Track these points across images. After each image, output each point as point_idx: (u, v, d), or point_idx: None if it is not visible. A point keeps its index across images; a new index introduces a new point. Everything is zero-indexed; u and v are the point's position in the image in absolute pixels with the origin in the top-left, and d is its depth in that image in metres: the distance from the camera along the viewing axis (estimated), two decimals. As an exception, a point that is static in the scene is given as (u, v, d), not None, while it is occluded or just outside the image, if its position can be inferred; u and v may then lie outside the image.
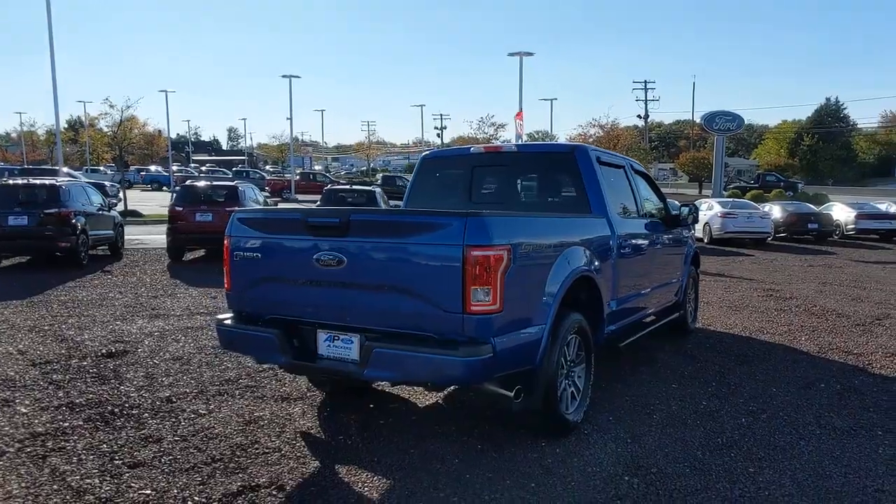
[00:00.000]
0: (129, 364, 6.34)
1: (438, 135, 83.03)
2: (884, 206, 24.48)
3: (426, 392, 5.51)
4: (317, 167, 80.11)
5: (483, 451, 4.36)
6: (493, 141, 71.31)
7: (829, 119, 74.79)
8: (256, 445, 4.45)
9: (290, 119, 40.76)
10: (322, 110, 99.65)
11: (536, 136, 78.53)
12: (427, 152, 6.41)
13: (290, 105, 39.33)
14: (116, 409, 5.10)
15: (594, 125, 59.26)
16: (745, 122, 48.00)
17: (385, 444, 4.48)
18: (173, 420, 4.91)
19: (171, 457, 4.24)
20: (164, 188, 48.54)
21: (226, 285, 4.61)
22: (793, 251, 19.28)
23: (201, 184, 15.69)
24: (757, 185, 47.56)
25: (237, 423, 4.84)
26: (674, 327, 7.41)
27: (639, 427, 4.84)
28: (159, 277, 12.10)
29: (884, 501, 3.74)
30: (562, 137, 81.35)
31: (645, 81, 58.99)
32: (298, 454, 4.31)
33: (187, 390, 5.60)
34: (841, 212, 23.86)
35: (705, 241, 20.68)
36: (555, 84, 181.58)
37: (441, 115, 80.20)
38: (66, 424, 4.78)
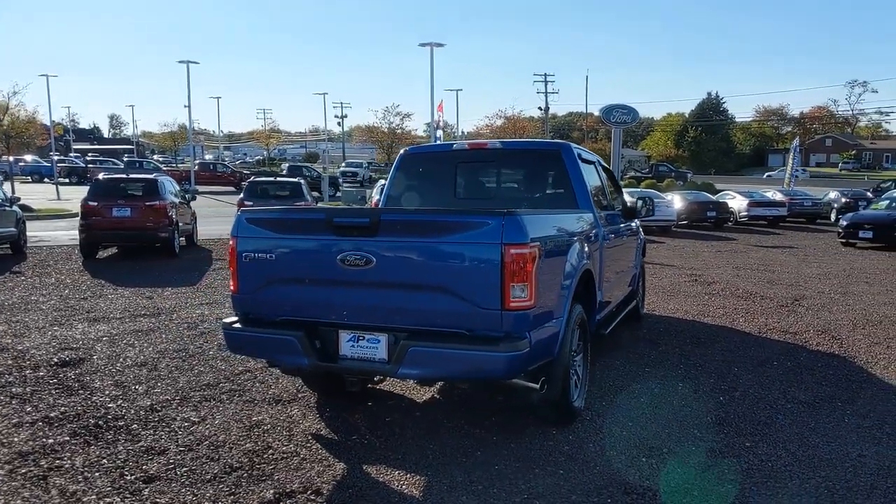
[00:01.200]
0: (90, 373, 5.95)
1: (339, 123, 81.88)
2: (770, 194, 26.68)
3: (419, 388, 5.54)
4: (208, 156, 76.73)
5: (500, 443, 4.47)
6: (398, 130, 71.18)
7: (711, 113, 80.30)
8: (270, 451, 4.34)
9: (189, 106, 39.00)
10: (218, 97, 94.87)
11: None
12: (408, 148, 6.39)
13: (189, 92, 37.48)
14: (100, 422, 4.79)
15: (500, 116, 60.48)
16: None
17: (401, 442, 4.50)
18: (168, 430, 4.68)
19: (185, 468, 4.06)
20: (47, 179, 45.00)
21: (232, 287, 4.45)
22: (697, 237, 20.64)
23: (117, 176, 14.74)
24: (651, 175, 50.33)
25: (239, 430, 4.69)
26: (628, 314, 7.81)
27: (633, 410, 5.12)
28: (79, 277, 11.31)
29: (868, 465, 4.19)
30: (468, 128, 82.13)
31: (545, 74, 60.78)
32: (319, 457, 4.25)
33: (167, 398, 5.34)
34: (734, 200, 25.77)
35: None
36: (460, 74, 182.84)
37: (342, 103, 78.62)
38: (52, 441, 4.45)
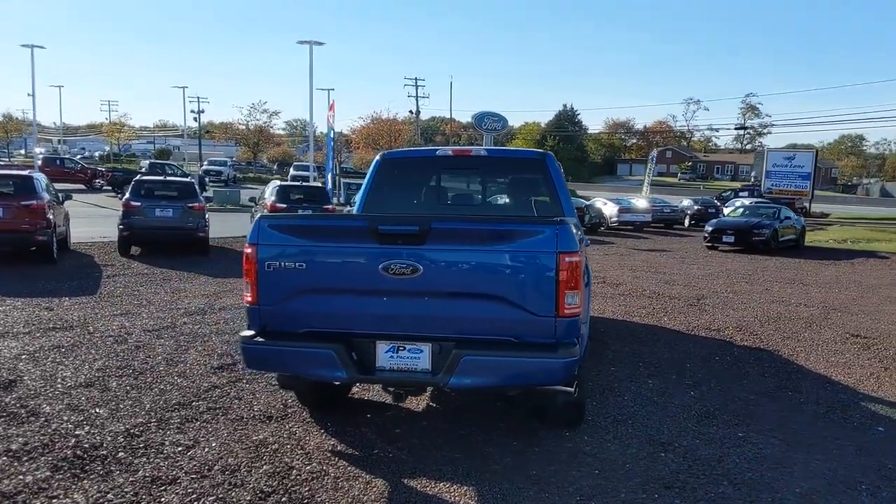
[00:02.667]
0: (31, 396, 5.24)
1: (195, 119, 77.26)
2: (635, 201, 28.85)
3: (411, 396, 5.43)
4: (39, 150, 69.47)
5: (522, 448, 4.51)
6: (266, 129, 68.72)
7: (567, 123, 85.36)
8: (295, 471, 4.09)
9: (33, 95, 34.86)
10: (60, 86, 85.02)
11: (296, 126, 77.04)
12: (387, 152, 6.23)
13: (33, 79, 33.46)
14: (78, 452, 4.25)
15: (371, 118, 60.28)
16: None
17: (425, 453, 4.41)
18: (163, 456, 4.25)
19: (212, 497, 3.72)
20: None
21: (249, 299, 4.12)
22: (579, 241, 21.83)
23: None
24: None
25: (245, 451, 4.36)
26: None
27: (624, 408, 5.37)
28: (-52, 287, 9.84)
29: (847, 447, 4.71)
30: (342, 128, 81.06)
31: (416, 78, 61.29)
32: (351, 474, 4.07)
33: (141, 420, 4.84)
34: (605, 206, 27.58)
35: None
36: (332, 74, 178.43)
37: (198, 97, 73.86)
38: (31, 478, 3.89)
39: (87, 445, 4.36)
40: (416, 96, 61.42)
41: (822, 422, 5.23)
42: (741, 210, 22.50)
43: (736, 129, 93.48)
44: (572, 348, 3.83)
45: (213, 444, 4.46)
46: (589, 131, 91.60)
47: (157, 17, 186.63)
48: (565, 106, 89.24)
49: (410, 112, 63.17)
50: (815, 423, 5.20)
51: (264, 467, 4.13)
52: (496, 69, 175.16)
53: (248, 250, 4.08)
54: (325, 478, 4.01)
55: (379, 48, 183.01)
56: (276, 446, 4.46)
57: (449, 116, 79.36)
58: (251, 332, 4.13)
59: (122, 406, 5.12)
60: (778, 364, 6.93)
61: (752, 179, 64.97)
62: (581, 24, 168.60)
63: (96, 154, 79.88)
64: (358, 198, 6.06)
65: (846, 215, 39.82)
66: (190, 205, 14.58)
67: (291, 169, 50.09)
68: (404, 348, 3.98)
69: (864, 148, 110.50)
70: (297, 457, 4.30)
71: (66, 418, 4.82)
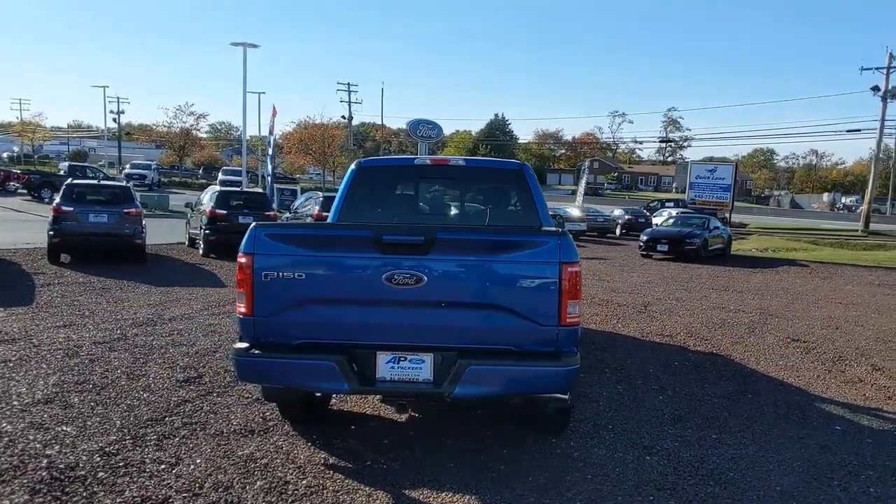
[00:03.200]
0: (-14, 415, 4.91)
1: (115, 119, 73.91)
2: (571, 210, 29.60)
3: (385, 405, 5.40)
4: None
5: (514, 456, 4.57)
6: (194, 131, 66.57)
7: (498, 133, 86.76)
8: (291, 486, 4.00)
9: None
10: None
11: (220, 129, 75.27)
12: (363, 160, 6.17)
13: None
14: (54, 474, 4.01)
15: (302, 124, 59.35)
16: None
17: (420, 464, 4.39)
18: (147, 475, 4.07)
19: (211, 516, 3.59)
20: None
21: (244, 310, 4.00)
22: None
23: None
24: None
25: (234, 467, 4.23)
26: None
27: (602, 415, 5.51)
28: None
29: (812, 445, 5.01)
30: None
31: (348, 84, 60.96)
32: (350, 487, 4.01)
33: (114, 438, 4.62)
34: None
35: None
36: (263, 77, 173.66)
37: (118, 97, 70.55)
38: (9, 503, 3.65)
39: (62, 466, 4.12)
40: (349, 102, 61.10)
41: (784, 423, 5.53)
42: (672, 220, 23.46)
43: (660, 141, 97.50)
44: (573, 357, 3.93)
45: (198, 461, 4.30)
46: (519, 141, 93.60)
47: (74, 15, 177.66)
48: (497, 115, 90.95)
49: (343, 118, 62.67)
50: (778, 423, 5.49)
51: (258, 483, 4.02)
52: (428, 77, 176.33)
53: (243, 260, 3.97)
54: (324, 491, 3.94)
55: (308, 53, 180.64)
56: (266, 461, 4.34)
57: (380, 122, 79.34)
58: (245, 345, 4.01)
59: (89, 423, 4.86)
60: (733, 368, 7.28)
61: (674, 190, 67.74)
62: (513, 36, 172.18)
63: (4, 155, 75.11)
64: (332, 207, 5.97)
65: (763, 225, 42.09)
66: (126, 210, 13.96)
67: (220, 174, 48.66)
68: (405, 359, 3.97)
69: (776, 161, 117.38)
70: (290, 471, 4.20)
71: (31, 437, 4.54)
